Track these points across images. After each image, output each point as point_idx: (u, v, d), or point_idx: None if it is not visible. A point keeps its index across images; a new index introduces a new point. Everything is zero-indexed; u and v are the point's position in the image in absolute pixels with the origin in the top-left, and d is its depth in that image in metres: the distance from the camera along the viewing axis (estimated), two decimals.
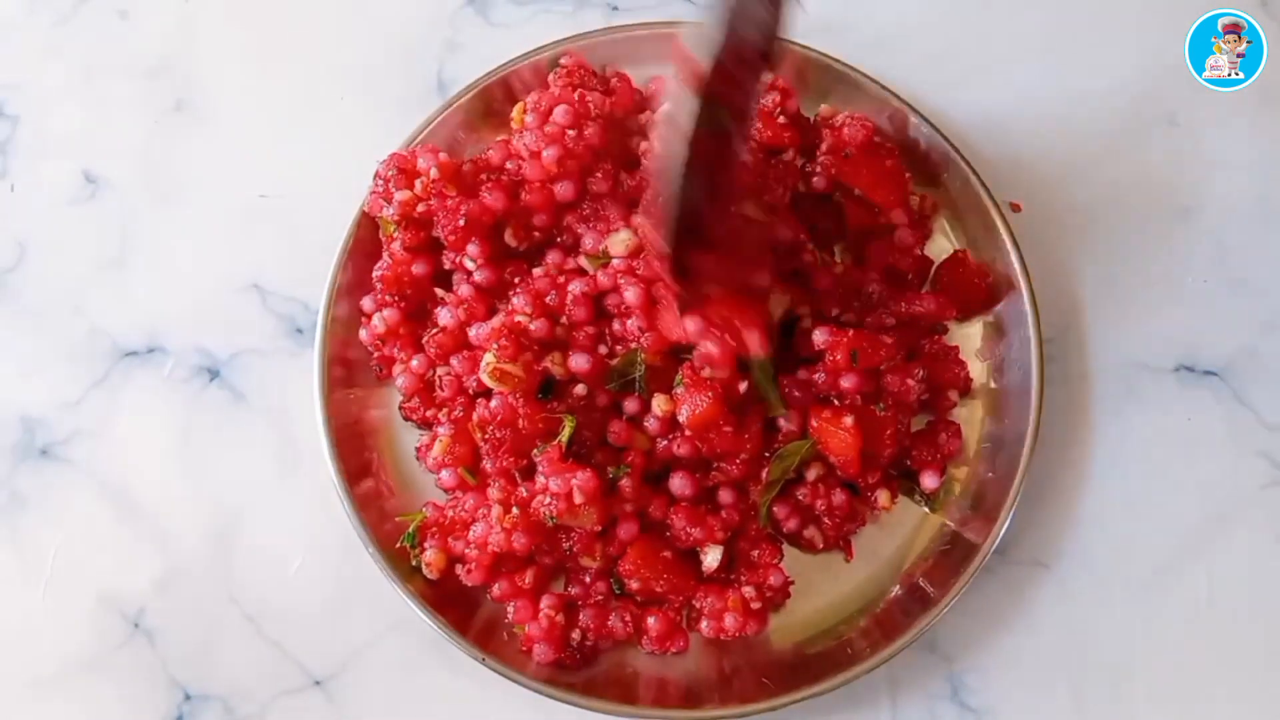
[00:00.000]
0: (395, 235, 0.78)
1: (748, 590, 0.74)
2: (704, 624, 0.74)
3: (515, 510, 0.72)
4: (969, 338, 0.81)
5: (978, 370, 0.80)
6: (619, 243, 0.75)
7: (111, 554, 0.80)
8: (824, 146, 0.80)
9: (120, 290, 0.85)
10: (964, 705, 0.76)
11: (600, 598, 0.75)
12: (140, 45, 0.90)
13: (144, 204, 0.86)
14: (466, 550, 0.74)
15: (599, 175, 0.77)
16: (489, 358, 0.72)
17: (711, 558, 0.74)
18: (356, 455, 0.78)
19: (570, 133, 0.75)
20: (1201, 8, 0.86)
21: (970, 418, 0.79)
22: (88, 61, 0.90)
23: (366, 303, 0.80)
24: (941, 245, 0.82)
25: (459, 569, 0.75)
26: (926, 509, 0.78)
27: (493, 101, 0.83)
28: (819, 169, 0.80)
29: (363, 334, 0.79)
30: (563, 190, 0.76)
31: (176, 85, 0.89)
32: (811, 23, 0.85)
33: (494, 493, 0.73)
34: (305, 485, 0.79)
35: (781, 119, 0.80)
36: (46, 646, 0.79)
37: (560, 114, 0.76)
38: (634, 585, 0.74)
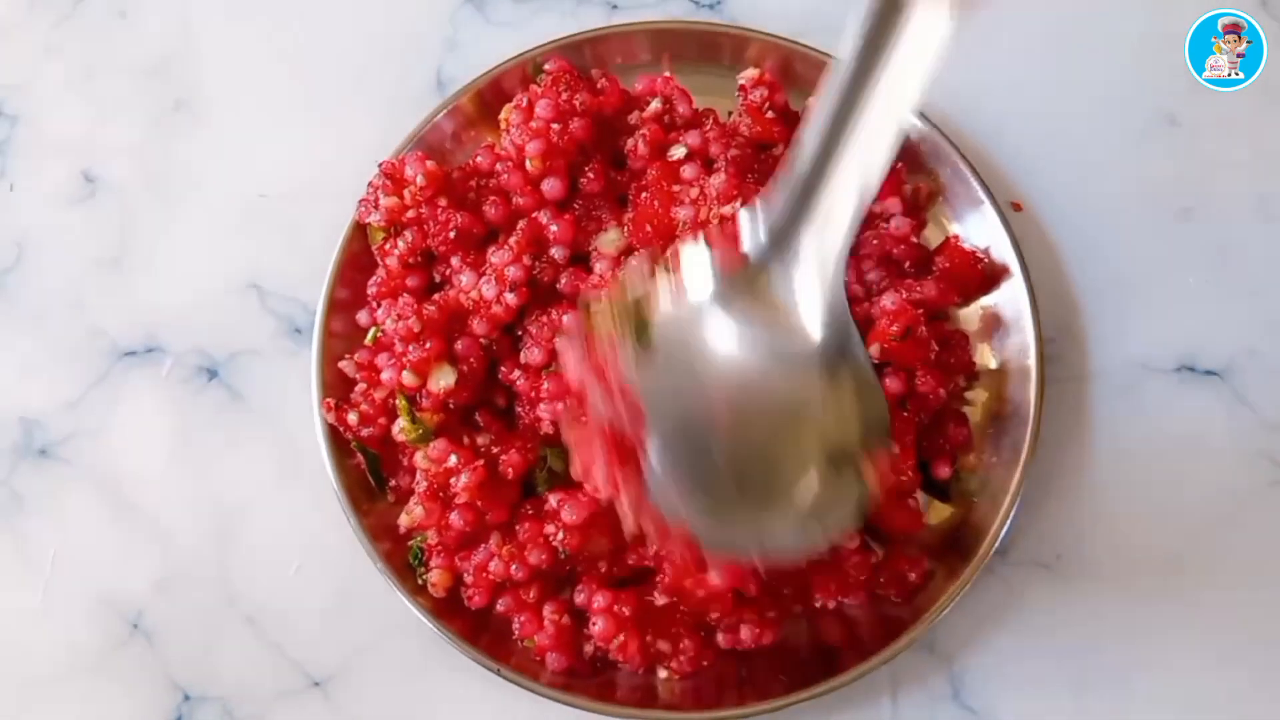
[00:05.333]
0: (389, 249, 0.76)
1: None
2: (719, 636, 0.72)
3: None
4: (967, 321, 0.80)
5: (976, 354, 0.78)
6: (608, 242, 0.74)
7: (111, 554, 0.79)
8: None
9: (119, 290, 0.85)
10: (964, 705, 0.76)
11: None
12: (140, 45, 0.90)
13: (143, 204, 0.86)
14: (465, 576, 0.73)
15: (590, 175, 0.76)
16: None
17: None
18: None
19: (555, 126, 0.75)
20: (1201, 8, 0.86)
21: (973, 400, 0.78)
22: (88, 61, 0.90)
23: (361, 317, 0.79)
24: (938, 237, 0.81)
25: (463, 592, 0.73)
26: (940, 501, 0.76)
27: (492, 101, 0.82)
28: None
29: (346, 365, 0.77)
30: (550, 189, 0.75)
31: (176, 85, 0.89)
32: (809, 20, 0.86)
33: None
34: (305, 486, 0.79)
35: (770, 113, 0.79)
36: (46, 647, 0.78)
37: (543, 108, 0.75)
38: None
